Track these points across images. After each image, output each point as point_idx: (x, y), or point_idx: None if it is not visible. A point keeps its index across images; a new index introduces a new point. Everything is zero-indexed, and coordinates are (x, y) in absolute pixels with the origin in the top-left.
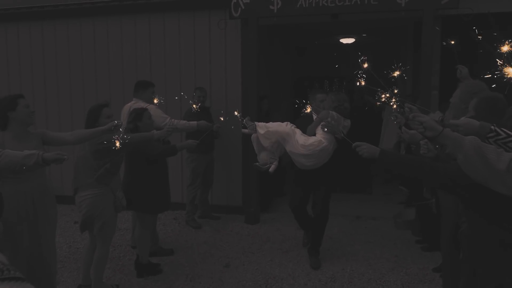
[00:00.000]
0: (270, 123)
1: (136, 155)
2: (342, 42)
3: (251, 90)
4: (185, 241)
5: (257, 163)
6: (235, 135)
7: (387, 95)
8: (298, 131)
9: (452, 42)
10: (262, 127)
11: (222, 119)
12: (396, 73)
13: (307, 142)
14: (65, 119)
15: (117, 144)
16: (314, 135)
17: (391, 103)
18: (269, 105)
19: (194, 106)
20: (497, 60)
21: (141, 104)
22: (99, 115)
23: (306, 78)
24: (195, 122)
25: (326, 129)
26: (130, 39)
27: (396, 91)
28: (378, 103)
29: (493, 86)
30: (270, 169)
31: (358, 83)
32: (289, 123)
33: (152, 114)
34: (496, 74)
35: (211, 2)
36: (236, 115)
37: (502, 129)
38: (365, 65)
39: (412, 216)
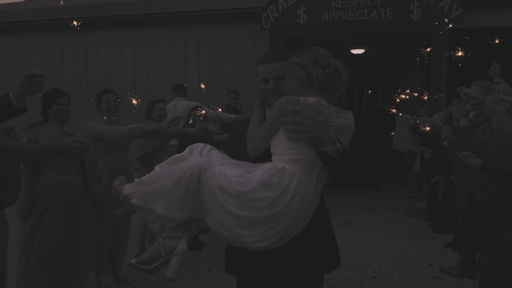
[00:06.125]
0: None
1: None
2: (352, 53)
3: None
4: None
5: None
6: None
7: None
8: (224, 164)
9: (497, 41)
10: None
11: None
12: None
13: (252, 192)
14: None
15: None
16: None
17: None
18: None
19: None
20: None
21: (185, 103)
22: (152, 109)
23: None
24: (234, 115)
25: (296, 135)
26: (168, 47)
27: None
28: (393, 109)
29: None
30: (169, 275)
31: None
32: (202, 146)
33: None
34: None
35: (242, 16)
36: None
37: None
38: (460, 53)
39: (423, 205)
